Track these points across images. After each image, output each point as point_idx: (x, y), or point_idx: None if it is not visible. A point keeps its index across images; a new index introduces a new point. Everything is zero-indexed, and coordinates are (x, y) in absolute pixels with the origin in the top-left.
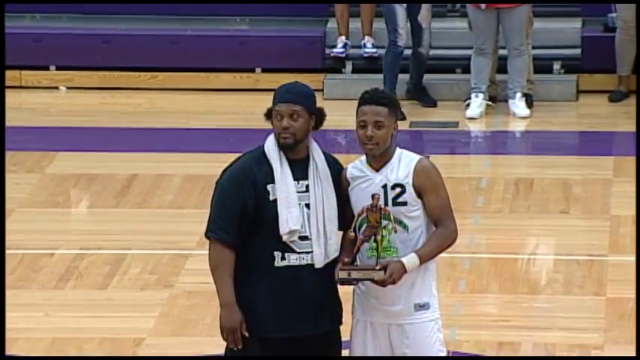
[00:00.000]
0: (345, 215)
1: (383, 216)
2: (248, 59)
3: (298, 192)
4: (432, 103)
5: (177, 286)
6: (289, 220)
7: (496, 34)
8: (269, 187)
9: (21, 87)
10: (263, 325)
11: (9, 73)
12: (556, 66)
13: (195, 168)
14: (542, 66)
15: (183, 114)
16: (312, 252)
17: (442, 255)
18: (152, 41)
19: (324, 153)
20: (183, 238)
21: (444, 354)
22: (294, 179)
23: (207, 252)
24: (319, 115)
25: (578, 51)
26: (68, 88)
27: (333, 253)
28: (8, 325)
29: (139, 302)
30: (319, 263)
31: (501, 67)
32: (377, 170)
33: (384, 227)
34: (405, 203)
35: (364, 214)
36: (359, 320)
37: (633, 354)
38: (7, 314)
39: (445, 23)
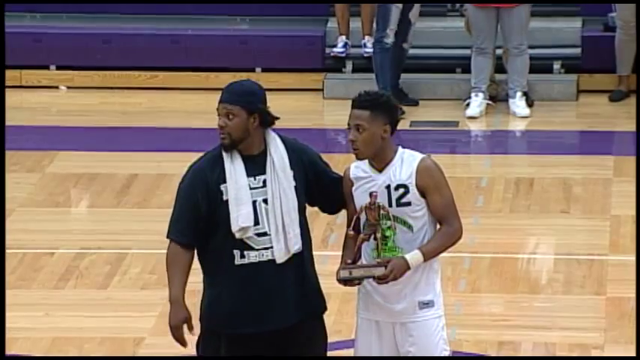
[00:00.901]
0: (348, 214)
1: (383, 215)
2: (248, 59)
3: (255, 188)
4: (414, 103)
5: None
6: (239, 217)
7: (496, 33)
8: (222, 187)
9: (21, 86)
10: (229, 322)
11: (9, 73)
12: (556, 65)
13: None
14: (542, 66)
15: (184, 113)
16: (272, 247)
17: (442, 254)
18: (152, 41)
19: (290, 143)
20: None
21: (447, 353)
22: (251, 175)
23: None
24: (262, 114)
25: (578, 50)
26: (68, 87)
27: (294, 246)
28: (8, 324)
29: (139, 302)
30: (280, 258)
31: (498, 66)
32: (380, 171)
33: (388, 227)
34: (409, 203)
35: (363, 213)
36: (363, 319)
37: (634, 354)
38: (8, 314)
39: (445, 23)
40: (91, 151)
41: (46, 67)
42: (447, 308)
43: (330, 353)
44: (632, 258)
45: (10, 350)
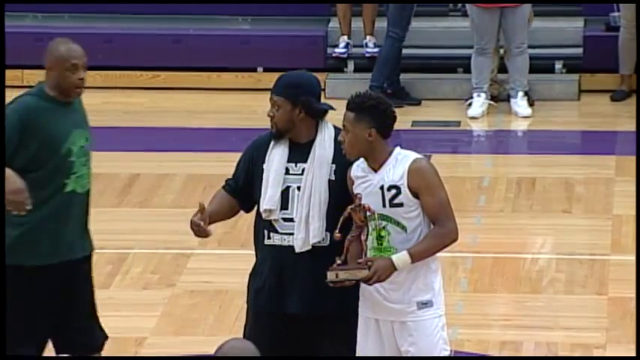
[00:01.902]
0: None
1: (369, 217)
2: (250, 59)
3: (293, 174)
4: (416, 102)
5: (179, 285)
6: (266, 200)
7: (498, 33)
8: (264, 166)
9: (23, 86)
10: (254, 298)
11: (10, 73)
12: (558, 65)
13: (197, 167)
14: (544, 65)
15: (185, 113)
16: (293, 234)
17: (444, 254)
18: (154, 41)
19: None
20: (186, 237)
21: (447, 353)
22: (292, 161)
23: (209, 252)
24: (305, 106)
25: (580, 50)
26: None
27: (314, 239)
28: None
29: (140, 301)
30: (298, 247)
31: (502, 66)
32: (375, 171)
33: (383, 228)
34: (401, 204)
35: (348, 214)
36: (363, 317)
37: (635, 354)
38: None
39: (447, 23)
40: (93, 150)
41: None
42: (448, 308)
43: None
44: (634, 257)
45: None
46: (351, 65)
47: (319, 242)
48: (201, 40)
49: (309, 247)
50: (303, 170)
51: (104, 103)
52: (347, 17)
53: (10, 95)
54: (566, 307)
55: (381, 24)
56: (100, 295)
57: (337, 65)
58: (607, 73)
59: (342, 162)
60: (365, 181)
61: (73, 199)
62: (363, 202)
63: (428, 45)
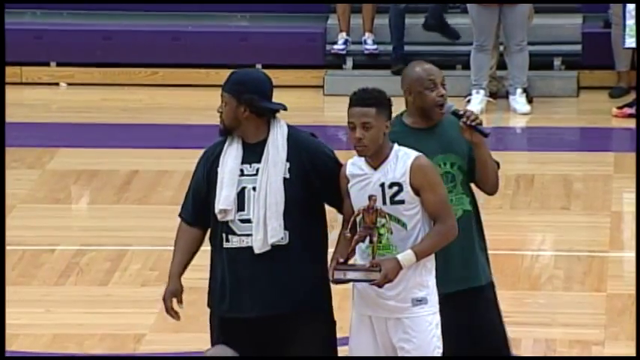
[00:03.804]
0: (344, 211)
1: (380, 217)
2: (249, 55)
3: (248, 175)
4: (455, 37)
5: None
6: (221, 200)
7: (497, 30)
8: (219, 169)
9: (21, 83)
10: (218, 304)
11: (9, 70)
12: (556, 62)
13: (195, 164)
14: (542, 62)
15: (184, 110)
16: (252, 235)
17: None
18: (153, 37)
19: (296, 137)
20: None
21: (441, 350)
22: (247, 162)
23: (206, 249)
24: (249, 104)
25: (578, 47)
26: (69, 84)
27: (272, 239)
28: (9, 321)
29: (139, 298)
30: (258, 248)
31: (501, 63)
32: (375, 168)
33: (382, 226)
34: (402, 202)
35: (360, 215)
36: (357, 314)
37: (634, 350)
38: (8, 310)
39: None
40: (92, 147)
41: (47, 64)
42: None
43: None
44: (633, 254)
45: (10, 347)
46: (349, 62)
47: (278, 241)
48: (199, 37)
49: (269, 248)
50: (257, 170)
51: (103, 99)
52: (346, 14)
53: (10, 92)
54: (564, 303)
55: (380, 21)
56: (98, 292)
57: (336, 62)
58: (606, 69)
59: (296, 160)
60: (363, 179)
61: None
62: (360, 200)
63: (426, 42)
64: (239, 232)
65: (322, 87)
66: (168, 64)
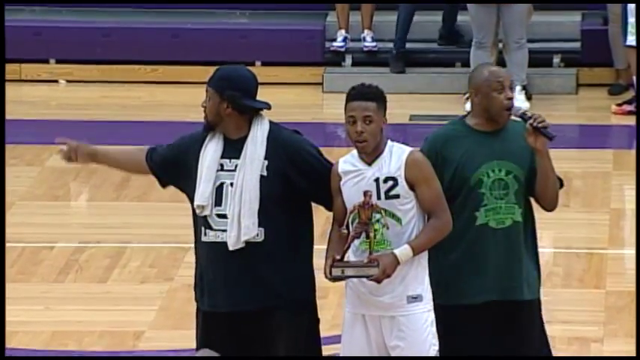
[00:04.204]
0: (335, 210)
1: (375, 212)
2: (248, 53)
3: (227, 170)
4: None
5: (177, 279)
6: (198, 196)
7: (496, 27)
8: (199, 162)
9: (21, 80)
10: (199, 298)
11: (9, 67)
12: (556, 59)
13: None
14: (542, 59)
15: (183, 107)
16: (227, 231)
17: None
18: (152, 34)
19: (277, 134)
20: (183, 231)
21: (436, 348)
22: (226, 157)
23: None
24: (230, 100)
25: (578, 44)
26: (68, 81)
27: (244, 236)
28: (8, 318)
29: (138, 295)
30: (231, 245)
31: (500, 60)
32: (369, 164)
33: (377, 221)
34: (397, 196)
35: (355, 211)
36: (350, 313)
37: (633, 347)
38: (7, 307)
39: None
40: (91, 144)
41: (46, 61)
42: None
43: (330, 347)
44: (632, 251)
45: (9, 344)
46: (348, 59)
47: (253, 239)
48: (199, 34)
49: (242, 245)
50: (236, 167)
51: (102, 97)
52: (345, 11)
53: (9, 89)
54: (563, 300)
55: (379, 18)
56: (97, 289)
57: (335, 59)
58: (605, 67)
59: (275, 157)
60: (357, 175)
61: (485, 234)
62: (354, 196)
63: (426, 39)
64: (215, 227)
65: (321, 84)
66: (167, 61)
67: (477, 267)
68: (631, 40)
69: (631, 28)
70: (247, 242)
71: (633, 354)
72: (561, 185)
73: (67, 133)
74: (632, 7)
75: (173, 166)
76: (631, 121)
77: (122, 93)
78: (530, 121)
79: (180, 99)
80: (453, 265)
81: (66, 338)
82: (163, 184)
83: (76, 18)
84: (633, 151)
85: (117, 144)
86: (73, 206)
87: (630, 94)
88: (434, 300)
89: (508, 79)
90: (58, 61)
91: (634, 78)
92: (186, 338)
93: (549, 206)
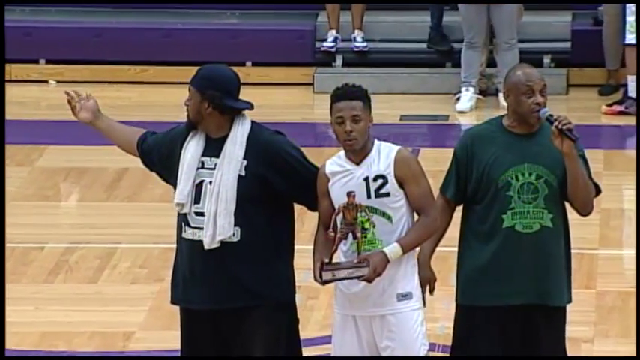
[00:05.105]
0: (322, 212)
1: (361, 212)
2: (238, 53)
3: (207, 168)
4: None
5: (168, 279)
6: (177, 194)
7: (487, 28)
8: (180, 159)
9: (11, 81)
10: (175, 292)
11: None
12: (546, 60)
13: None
14: (532, 60)
15: (174, 107)
16: (203, 229)
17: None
18: (143, 35)
19: (258, 135)
20: (174, 232)
21: (426, 347)
22: (207, 156)
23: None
24: (211, 100)
25: (568, 45)
26: (58, 81)
27: (219, 236)
28: None
29: (129, 296)
30: (207, 244)
31: (491, 60)
32: (357, 164)
33: (367, 220)
34: (387, 194)
35: (341, 213)
36: (340, 314)
37: (623, 347)
38: None
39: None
40: (81, 145)
41: (36, 62)
42: (435, 302)
43: (320, 347)
44: (622, 251)
45: None
46: (339, 59)
47: (229, 238)
48: (189, 34)
49: (217, 245)
50: (216, 165)
51: None
52: (335, 12)
53: None
54: None
55: (370, 18)
56: (87, 290)
57: (326, 59)
58: (595, 67)
59: (254, 158)
60: (345, 175)
61: (512, 237)
62: (343, 196)
63: (416, 39)
64: (193, 225)
65: (312, 84)
66: (158, 61)
67: (502, 270)
68: (630, 38)
69: (629, 27)
70: (223, 242)
71: (624, 354)
72: (598, 192)
73: (57, 133)
74: (631, 5)
75: (159, 158)
76: (621, 121)
77: (112, 93)
78: (556, 123)
79: (171, 99)
80: (478, 266)
81: (56, 339)
82: (152, 170)
83: (66, 18)
84: (623, 152)
85: (107, 144)
86: (63, 207)
87: (620, 94)
88: (456, 300)
89: (540, 83)
90: (48, 62)
91: (628, 77)
92: (176, 339)
93: (582, 210)
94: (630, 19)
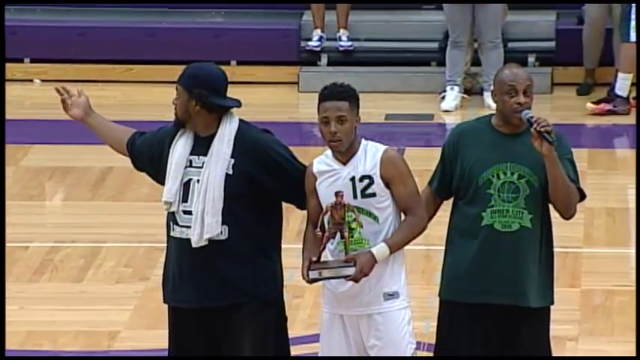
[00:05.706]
0: (310, 211)
1: (348, 211)
2: (223, 52)
3: (195, 167)
4: None
5: (153, 279)
6: (165, 192)
7: (471, 27)
8: (169, 157)
9: None
10: (165, 290)
11: None
12: (531, 59)
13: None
14: (517, 59)
15: (158, 107)
16: (191, 228)
17: (417, 247)
18: (127, 34)
19: (246, 133)
20: (159, 231)
21: (413, 346)
22: (195, 154)
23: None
24: (198, 98)
25: (552, 44)
26: (42, 80)
27: (207, 234)
28: None
29: (114, 295)
30: (194, 242)
31: (475, 59)
32: (344, 164)
33: (354, 220)
34: (373, 194)
35: (328, 213)
36: (328, 313)
37: (607, 346)
38: None
39: (420, 16)
40: (66, 144)
41: (21, 60)
42: (421, 301)
43: (306, 347)
44: (606, 250)
45: None
46: (324, 59)
47: (217, 237)
48: (174, 33)
49: (205, 243)
50: (204, 164)
51: None
52: (320, 11)
53: None
54: None
55: (355, 17)
56: (72, 289)
57: (311, 58)
58: (579, 66)
59: (241, 156)
60: (332, 175)
61: (491, 235)
62: (330, 196)
63: (401, 38)
64: (181, 223)
65: (297, 83)
66: (142, 60)
67: (483, 269)
68: (634, 36)
69: (635, 25)
70: (211, 240)
71: (609, 353)
72: (582, 197)
73: (41, 132)
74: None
75: (149, 159)
76: (606, 120)
77: (97, 92)
78: (535, 125)
79: (155, 98)
80: (460, 263)
81: (41, 338)
82: (142, 171)
83: (51, 17)
84: (607, 150)
85: (92, 143)
86: (47, 206)
87: (601, 92)
88: (439, 295)
89: (524, 84)
90: (32, 61)
91: (619, 74)
92: (161, 338)
93: (565, 213)
94: (633, 23)
